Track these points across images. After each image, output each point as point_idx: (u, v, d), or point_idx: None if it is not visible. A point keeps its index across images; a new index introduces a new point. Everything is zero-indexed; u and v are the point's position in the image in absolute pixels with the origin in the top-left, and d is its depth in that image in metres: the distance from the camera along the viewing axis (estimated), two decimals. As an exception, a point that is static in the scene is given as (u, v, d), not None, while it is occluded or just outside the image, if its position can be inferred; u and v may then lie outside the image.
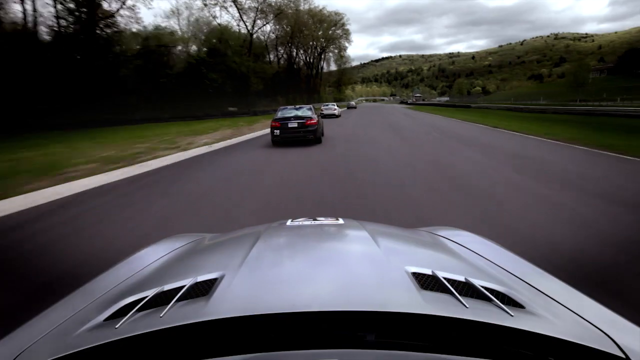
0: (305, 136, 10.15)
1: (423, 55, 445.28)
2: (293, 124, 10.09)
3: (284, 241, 1.09)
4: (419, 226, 1.50)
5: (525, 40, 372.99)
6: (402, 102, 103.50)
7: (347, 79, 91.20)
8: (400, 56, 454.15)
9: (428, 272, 0.74)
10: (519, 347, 0.55)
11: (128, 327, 0.58)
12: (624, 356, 0.54)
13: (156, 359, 0.57)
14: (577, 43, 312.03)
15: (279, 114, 10.69)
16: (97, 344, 0.55)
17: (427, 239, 1.22)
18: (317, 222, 1.22)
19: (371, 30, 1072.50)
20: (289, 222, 1.22)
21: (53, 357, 0.55)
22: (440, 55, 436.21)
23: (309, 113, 10.64)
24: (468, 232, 1.30)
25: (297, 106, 11.39)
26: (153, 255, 1.10)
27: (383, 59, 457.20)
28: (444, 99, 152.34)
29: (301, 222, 1.22)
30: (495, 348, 0.56)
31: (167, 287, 0.73)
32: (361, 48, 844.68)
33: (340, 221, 1.22)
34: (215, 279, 0.73)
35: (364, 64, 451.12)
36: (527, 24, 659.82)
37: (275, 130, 10.13)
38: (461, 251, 1.05)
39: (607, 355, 0.54)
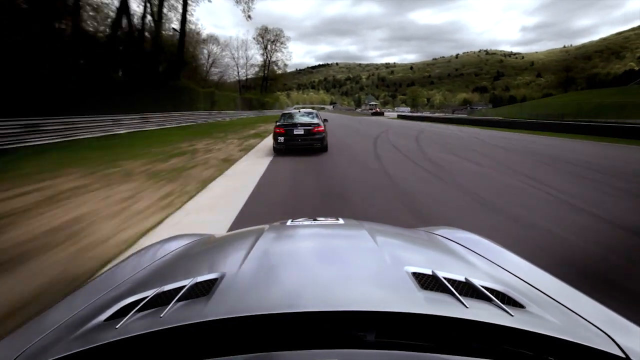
0: (312, 145, 9.47)
1: (360, 64, 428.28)
2: (299, 131, 9.35)
3: (284, 241, 1.08)
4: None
5: (458, 54, 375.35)
6: (375, 114, 63.62)
7: (273, 75, 54.21)
8: (337, 64, 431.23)
9: (428, 271, 0.73)
10: (519, 347, 0.54)
11: (128, 328, 0.57)
12: (623, 355, 0.54)
13: (156, 359, 0.57)
14: (508, 59, 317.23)
15: (282, 120, 9.83)
16: (97, 344, 0.55)
17: (427, 239, 1.20)
18: (317, 222, 1.20)
19: (308, 39, 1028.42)
20: (289, 222, 1.20)
21: (54, 358, 0.55)
22: (377, 64, 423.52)
23: (315, 119, 9.84)
24: (468, 232, 1.27)
25: (302, 111, 10.57)
26: (153, 256, 1.08)
27: (320, 66, 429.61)
28: (403, 109, 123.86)
29: (301, 222, 1.20)
30: (495, 348, 0.55)
31: (167, 287, 0.72)
32: (298, 56, 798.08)
33: (341, 221, 1.21)
34: (215, 279, 0.72)
35: (300, 70, 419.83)
36: (452, 42, 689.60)
37: (279, 137, 9.33)
38: (461, 251, 1.04)
39: (607, 355, 0.53)
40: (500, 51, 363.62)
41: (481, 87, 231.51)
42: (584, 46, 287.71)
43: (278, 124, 9.64)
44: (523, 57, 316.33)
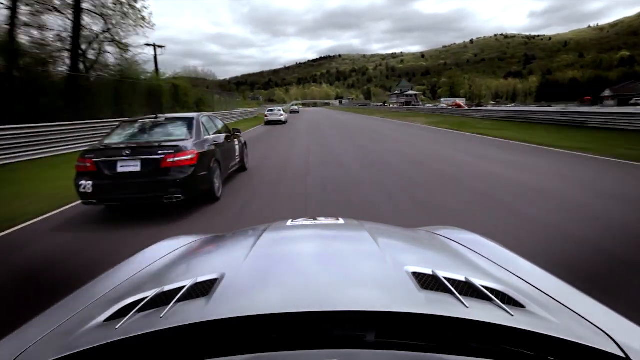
0: (161, 195, 3.95)
1: (364, 56, 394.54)
2: (129, 167, 3.94)
3: (284, 241, 1.08)
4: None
5: (473, 39, 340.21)
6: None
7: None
8: (340, 56, 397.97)
9: (428, 271, 0.73)
10: (519, 347, 0.54)
11: (128, 328, 0.57)
12: (624, 355, 0.53)
13: (157, 359, 0.56)
14: (534, 41, 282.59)
15: (108, 139, 4.47)
16: (97, 345, 0.54)
17: (428, 239, 1.20)
18: (317, 222, 1.21)
19: (309, 34, 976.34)
20: (289, 222, 1.20)
21: (54, 358, 0.54)
22: (382, 55, 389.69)
23: (178, 140, 4.29)
24: (468, 232, 1.27)
25: (161, 116, 4.87)
26: (153, 256, 1.08)
27: (322, 58, 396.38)
28: (447, 101, 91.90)
29: (301, 222, 1.20)
30: (495, 348, 0.55)
31: (167, 287, 0.72)
32: (300, 52, 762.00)
33: (341, 221, 1.20)
34: (215, 279, 0.72)
35: (301, 64, 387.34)
36: (458, 32, 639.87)
37: (85, 182, 3.92)
38: (461, 251, 1.04)
39: (607, 355, 0.53)
40: (519, 34, 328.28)
41: (514, 72, 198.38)
42: (621, 22, 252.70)
43: (88, 149, 4.30)
44: (550, 39, 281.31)
